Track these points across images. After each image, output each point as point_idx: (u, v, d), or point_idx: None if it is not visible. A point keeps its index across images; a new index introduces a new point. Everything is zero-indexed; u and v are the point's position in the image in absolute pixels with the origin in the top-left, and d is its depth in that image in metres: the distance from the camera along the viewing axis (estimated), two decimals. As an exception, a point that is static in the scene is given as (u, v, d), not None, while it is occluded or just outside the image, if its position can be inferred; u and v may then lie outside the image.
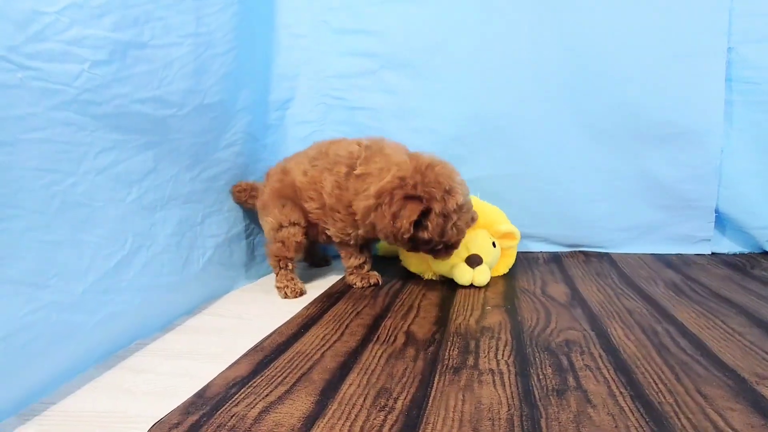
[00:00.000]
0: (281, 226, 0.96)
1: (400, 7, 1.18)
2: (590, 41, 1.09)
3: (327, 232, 0.95)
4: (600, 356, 0.60)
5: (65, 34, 0.62)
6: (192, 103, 0.85)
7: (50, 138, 0.61)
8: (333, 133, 1.28)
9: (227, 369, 0.60)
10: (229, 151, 1.00)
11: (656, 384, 0.52)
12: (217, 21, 0.92)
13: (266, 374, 0.58)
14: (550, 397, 0.50)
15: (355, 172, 0.89)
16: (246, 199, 1.04)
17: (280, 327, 0.75)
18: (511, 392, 0.52)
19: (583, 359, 0.59)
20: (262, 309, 0.88)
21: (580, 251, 1.16)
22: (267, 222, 0.99)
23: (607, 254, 1.13)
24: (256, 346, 0.67)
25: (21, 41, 0.57)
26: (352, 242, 0.95)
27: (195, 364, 0.64)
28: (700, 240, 1.10)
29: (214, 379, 0.58)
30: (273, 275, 1.13)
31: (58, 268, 0.60)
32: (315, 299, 0.89)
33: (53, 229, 0.60)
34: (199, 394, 0.54)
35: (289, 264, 0.97)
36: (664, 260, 1.06)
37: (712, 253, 1.10)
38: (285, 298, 0.93)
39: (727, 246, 1.11)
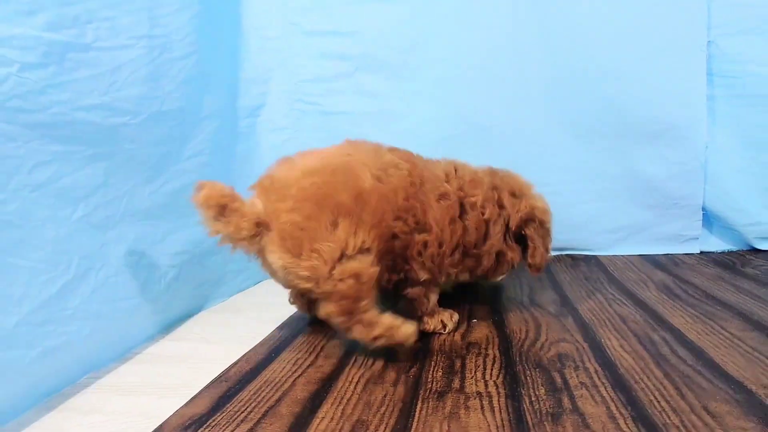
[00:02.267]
0: (343, 256, 0.58)
1: (374, 6, 1.13)
2: (572, 38, 1.05)
3: (409, 268, 0.66)
4: (596, 371, 0.55)
5: (-12, 34, 0.56)
6: (147, 110, 0.79)
7: (-28, 151, 0.54)
8: (309, 140, 1.22)
9: (185, 405, 0.54)
10: (195, 161, 0.93)
11: (658, 402, 0.47)
12: (175, 23, 0.86)
13: (228, 410, 0.51)
14: (545, 422, 0.45)
15: (470, 200, 0.70)
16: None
17: (248, 352, 0.68)
18: (501, 419, 0.46)
19: (577, 376, 0.54)
20: (231, 331, 0.81)
21: (566, 254, 1.12)
22: (308, 258, 0.57)
23: (594, 257, 1.09)
24: (219, 377, 0.60)
25: (-64, 42, 0.50)
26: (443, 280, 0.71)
27: (150, 400, 0.57)
28: (689, 239, 1.07)
29: (170, 418, 0.51)
30: (248, 291, 1.07)
31: (-15, 298, 0.52)
32: (289, 318, 0.83)
33: (-21, 254, 0.53)
34: (149, 438, 0.47)
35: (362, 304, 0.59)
36: (653, 261, 1.03)
37: (701, 252, 1.07)
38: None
39: (716, 244, 1.08)
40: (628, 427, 0.43)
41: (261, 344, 0.71)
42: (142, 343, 0.77)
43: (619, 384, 0.51)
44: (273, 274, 0.65)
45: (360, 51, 1.17)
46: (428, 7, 1.11)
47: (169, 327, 0.84)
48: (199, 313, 0.93)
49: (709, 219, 1.08)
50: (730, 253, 1.06)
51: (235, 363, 0.65)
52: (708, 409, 0.45)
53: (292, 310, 0.88)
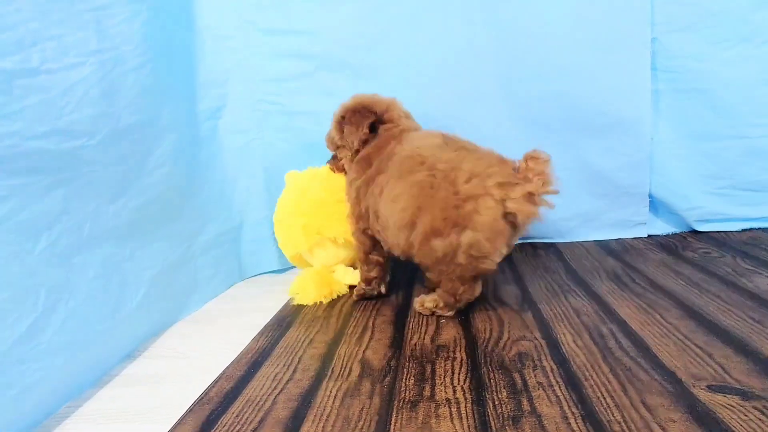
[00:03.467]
0: None
1: (330, 4, 1.12)
2: (524, 36, 1.08)
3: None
4: (551, 370, 0.61)
5: (-72, 70, 0.53)
6: (104, 129, 0.77)
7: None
8: (274, 140, 1.21)
9: (169, 432, 0.56)
10: (158, 173, 0.91)
11: (604, 398, 0.53)
12: (124, 33, 0.83)
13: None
14: (506, 426, 0.50)
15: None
16: None
17: (227, 368, 0.70)
18: (468, 425, 0.51)
19: (535, 375, 0.60)
20: (207, 343, 0.83)
21: (528, 243, 1.19)
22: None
23: (553, 244, 1.16)
24: (201, 398, 0.63)
25: None
26: None
27: (133, 427, 0.59)
28: (637, 224, 1.15)
29: (156, 446, 0.53)
30: (221, 297, 1.08)
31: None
32: (265, 327, 0.85)
33: (-58, 302, 0.52)
34: (138, 471, 0.50)
35: None
36: (606, 247, 1.10)
37: (649, 236, 1.15)
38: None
39: (661, 227, 1.17)
40: (578, 427, 0.49)
41: (239, 358, 0.73)
42: (118, 364, 0.77)
43: (572, 382, 0.57)
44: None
45: (319, 50, 1.16)
46: (385, 6, 1.11)
47: (144, 343, 0.85)
48: (174, 324, 0.94)
49: (655, 205, 1.16)
50: (674, 235, 1.15)
51: (216, 381, 0.67)
52: (645, 403, 0.52)
53: (267, 316, 0.90)
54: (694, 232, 1.14)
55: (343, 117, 0.95)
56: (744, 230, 1.10)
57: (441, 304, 0.80)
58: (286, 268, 1.20)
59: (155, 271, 0.90)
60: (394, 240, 0.81)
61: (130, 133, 0.83)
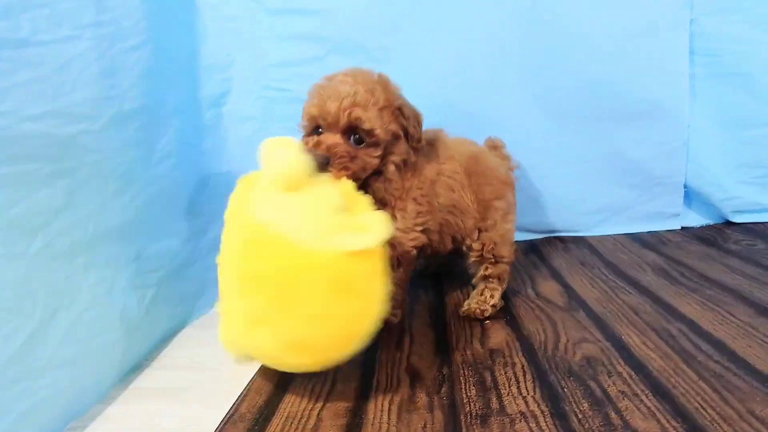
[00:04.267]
0: None
1: (344, -18, 1.04)
2: (553, 18, 1.02)
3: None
4: (630, 376, 0.54)
5: None
6: (107, 112, 0.67)
7: None
8: (280, 130, 1.11)
9: (201, 460, 0.48)
10: (165, 165, 0.82)
11: (705, 410, 0.47)
12: (124, 5, 0.73)
13: None
14: (601, 445, 0.44)
15: None
16: None
17: (253, 379, 0.62)
18: (555, 444, 0.44)
19: (614, 383, 0.53)
20: (222, 350, 0.74)
21: (555, 237, 1.13)
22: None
23: (582, 238, 1.10)
24: (231, 415, 0.54)
25: None
26: None
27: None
28: (670, 216, 1.10)
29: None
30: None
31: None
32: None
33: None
34: None
35: None
36: (639, 240, 1.05)
37: (682, 228, 1.10)
38: None
39: (694, 219, 1.12)
40: (685, 442, 0.43)
41: (264, 368, 0.65)
42: (126, 377, 0.68)
43: (660, 391, 0.51)
44: None
45: (331, 32, 1.07)
46: (405, -16, 1.03)
47: (152, 353, 0.76)
48: (183, 330, 0.85)
49: (688, 195, 1.11)
50: (708, 227, 1.10)
51: (244, 395, 0.59)
52: (755, 414, 0.46)
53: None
54: (729, 223, 1.09)
55: (400, 107, 0.66)
56: (780, 221, 1.07)
57: (497, 297, 0.75)
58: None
59: (163, 272, 0.81)
60: (471, 225, 0.76)
61: (134, 118, 0.73)
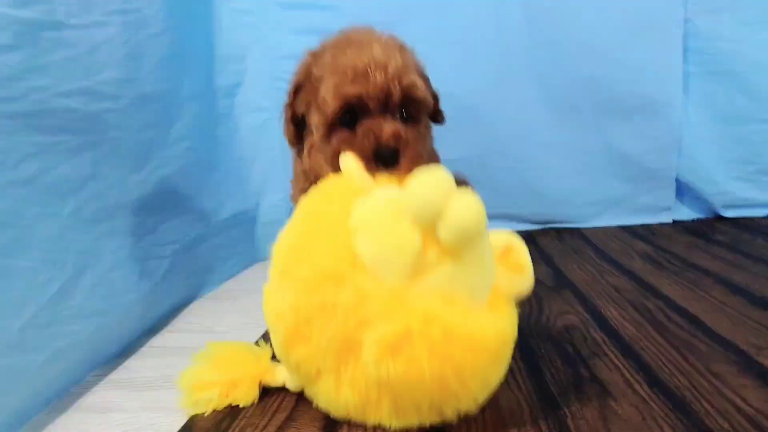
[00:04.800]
0: None
1: (354, -22, 1.09)
2: (553, 15, 1.06)
3: None
4: (603, 341, 0.59)
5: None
6: (129, 93, 0.74)
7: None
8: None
9: (209, 399, 0.53)
10: (180, 146, 0.88)
11: (666, 366, 0.51)
12: (147, -6, 0.80)
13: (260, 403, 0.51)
14: (569, 392, 0.48)
15: None
16: None
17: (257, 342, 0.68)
18: (528, 392, 0.49)
19: (588, 346, 0.58)
20: (233, 319, 0.80)
21: (551, 228, 1.17)
22: None
23: (577, 229, 1.14)
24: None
25: None
26: None
27: (169, 395, 0.56)
28: (662, 209, 1.14)
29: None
30: (237, 278, 1.05)
31: (-16, 303, 0.49)
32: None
33: (-28, 257, 0.49)
34: (183, 436, 0.47)
35: None
36: (632, 231, 1.09)
37: (674, 221, 1.14)
38: None
39: (686, 213, 1.16)
40: (645, 392, 0.47)
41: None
42: (143, 338, 0.74)
43: (628, 352, 0.55)
44: None
45: (341, 26, 1.13)
46: (412, -19, 1.09)
47: (165, 319, 0.82)
48: (195, 301, 0.91)
49: (680, 190, 1.15)
50: (699, 221, 1.13)
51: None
52: (711, 371, 0.50)
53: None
54: (720, 218, 1.12)
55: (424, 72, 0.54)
56: (769, 216, 1.10)
57: None
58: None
59: (176, 247, 0.87)
60: None
61: (153, 100, 0.80)
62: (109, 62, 0.70)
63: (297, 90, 0.57)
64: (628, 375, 0.50)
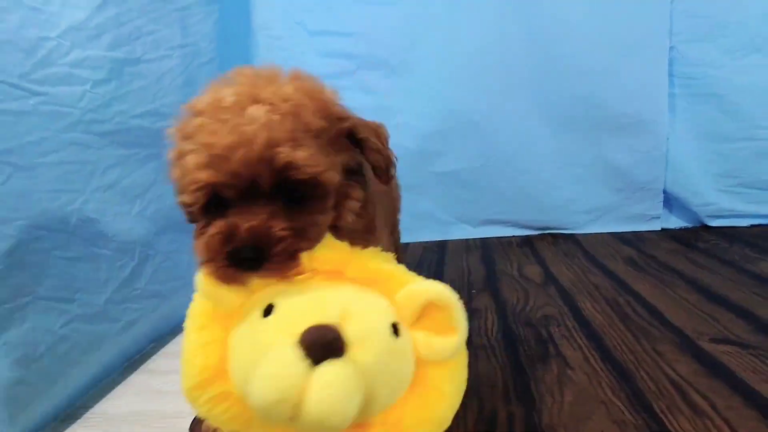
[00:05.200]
0: None
1: (372, 8, 1.23)
2: (551, 40, 1.18)
3: None
4: (574, 327, 0.70)
5: (68, 57, 0.65)
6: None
7: (62, 160, 0.64)
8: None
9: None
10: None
11: (620, 346, 0.62)
12: (201, 30, 0.95)
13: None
14: (536, 364, 0.60)
15: None
16: None
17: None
18: (503, 363, 0.61)
19: (559, 331, 0.69)
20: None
21: (548, 233, 1.28)
22: None
23: (572, 235, 1.25)
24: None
25: (30, 68, 0.60)
26: None
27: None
28: (652, 218, 1.24)
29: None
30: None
31: (80, 282, 0.64)
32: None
33: (72, 246, 0.64)
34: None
35: None
36: (622, 238, 1.19)
37: (662, 229, 1.23)
38: None
39: (675, 222, 1.25)
40: (598, 365, 0.58)
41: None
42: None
43: (592, 336, 0.66)
44: None
45: (361, 50, 1.27)
46: (423, 10, 1.22)
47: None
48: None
49: (669, 200, 1.24)
50: (686, 229, 1.22)
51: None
52: (656, 350, 0.61)
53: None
54: (706, 227, 1.21)
55: (351, 128, 0.41)
56: (753, 226, 1.18)
57: None
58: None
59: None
60: None
61: (201, 118, 0.94)
62: (171, 88, 0.85)
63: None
64: (587, 352, 0.62)
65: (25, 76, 0.59)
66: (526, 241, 1.23)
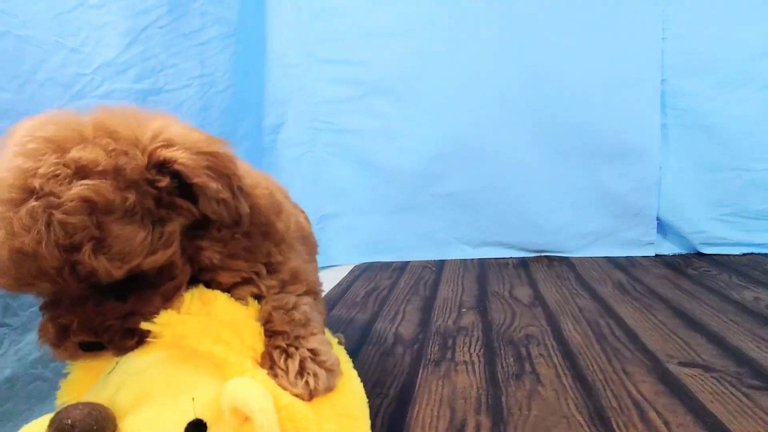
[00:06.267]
0: None
1: (380, 40, 1.31)
2: (549, 72, 1.24)
3: None
4: (552, 346, 0.74)
5: (99, 90, 0.74)
6: (200, 137, 0.97)
7: (90, 179, 0.72)
8: (323, 154, 1.41)
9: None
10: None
11: (592, 366, 0.66)
12: (218, 62, 1.04)
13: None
14: (510, 379, 0.64)
15: None
16: None
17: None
18: (480, 377, 0.65)
19: (538, 349, 0.73)
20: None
21: (544, 256, 1.31)
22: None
23: (567, 258, 1.28)
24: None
25: (67, 100, 0.68)
26: None
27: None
28: (645, 244, 1.27)
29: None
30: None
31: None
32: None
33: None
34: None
35: None
36: (615, 262, 1.22)
37: (656, 255, 1.26)
38: None
39: (669, 248, 1.28)
40: (568, 382, 0.62)
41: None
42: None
43: (568, 355, 0.70)
44: None
45: (369, 78, 1.35)
46: (429, 43, 1.29)
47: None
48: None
49: (663, 227, 1.27)
50: (679, 256, 1.25)
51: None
52: (625, 370, 0.64)
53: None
54: (699, 253, 1.24)
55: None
56: (744, 254, 1.20)
57: None
58: (328, 265, 1.37)
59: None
60: None
61: (216, 141, 1.03)
62: (189, 114, 0.93)
63: None
64: (560, 371, 0.66)
65: (62, 108, 0.67)
66: (522, 262, 1.27)
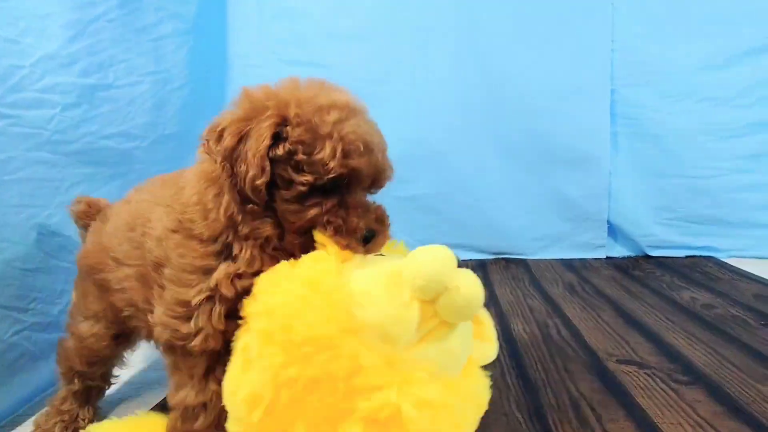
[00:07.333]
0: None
1: (343, 43, 1.32)
2: (505, 80, 1.28)
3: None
4: (501, 347, 0.76)
5: (39, 83, 0.71)
6: (153, 134, 0.94)
7: (28, 177, 0.69)
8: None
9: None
10: (188, 176, 1.09)
11: (536, 365, 0.69)
12: (174, 58, 1.02)
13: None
14: (457, 379, 0.65)
15: None
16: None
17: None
18: (429, 377, 0.66)
19: (487, 349, 0.75)
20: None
21: (502, 258, 1.35)
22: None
23: (523, 260, 1.32)
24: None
25: (1, 93, 0.65)
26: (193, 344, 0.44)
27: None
28: (597, 246, 1.32)
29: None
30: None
31: (36, 292, 0.68)
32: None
33: (31, 258, 0.68)
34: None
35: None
36: (568, 264, 1.26)
37: (607, 257, 1.31)
38: None
39: (619, 251, 1.33)
40: (512, 381, 0.64)
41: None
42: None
43: (514, 354, 0.73)
44: None
45: (333, 81, 1.34)
46: (390, 47, 1.31)
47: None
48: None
49: (614, 231, 1.33)
50: (628, 258, 1.31)
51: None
52: (567, 369, 0.67)
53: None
54: (647, 256, 1.30)
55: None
56: (687, 257, 1.26)
57: None
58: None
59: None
60: None
61: (171, 140, 1.00)
62: (141, 111, 0.91)
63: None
64: (505, 369, 0.68)
65: (-8, 101, 0.64)
66: (481, 264, 1.30)
